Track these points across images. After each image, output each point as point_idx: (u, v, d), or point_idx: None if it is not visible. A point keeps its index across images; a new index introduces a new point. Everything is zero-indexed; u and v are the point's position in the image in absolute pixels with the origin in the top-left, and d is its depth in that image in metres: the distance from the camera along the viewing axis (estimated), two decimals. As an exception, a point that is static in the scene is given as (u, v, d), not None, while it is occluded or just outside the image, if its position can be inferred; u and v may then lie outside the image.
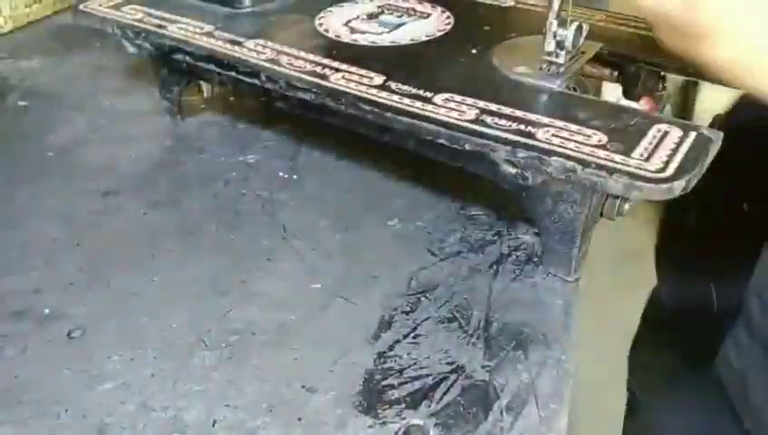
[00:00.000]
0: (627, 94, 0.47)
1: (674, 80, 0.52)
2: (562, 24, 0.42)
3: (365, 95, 0.41)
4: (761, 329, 0.46)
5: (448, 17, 0.52)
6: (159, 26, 0.51)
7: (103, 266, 0.42)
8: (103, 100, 0.61)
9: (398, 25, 0.51)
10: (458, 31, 0.50)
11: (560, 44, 0.42)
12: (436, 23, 0.51)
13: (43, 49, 0.69)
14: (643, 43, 0.46)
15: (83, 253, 0.43)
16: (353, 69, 0.44)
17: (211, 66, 0.48)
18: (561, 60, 0.42)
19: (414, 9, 0.53)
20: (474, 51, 0.46)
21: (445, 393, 0.34)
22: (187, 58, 0.49)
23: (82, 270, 0.42)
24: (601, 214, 0.41)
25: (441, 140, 0.38)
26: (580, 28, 0.42)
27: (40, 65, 0.67)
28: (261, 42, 0.48)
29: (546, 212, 0.40)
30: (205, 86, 0.57)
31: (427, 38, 0.49)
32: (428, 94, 0.41)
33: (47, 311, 0.39)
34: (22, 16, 0.74)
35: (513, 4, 0.54)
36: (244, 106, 0.59)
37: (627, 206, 0.40)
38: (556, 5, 0.41)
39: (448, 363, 0.36)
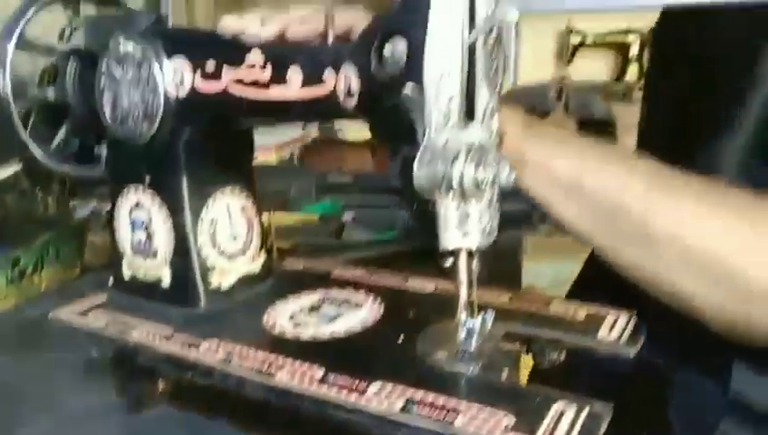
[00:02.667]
0: (537, 366, 0.54)
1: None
2: (471, 313, 0.49)
3: (306, 392, 0.47)
4: None
5: (380, 304, 0.60)
6: (122, 332, 0.57)
7: None
8: (61, 398, 0.64)
9: (336, 317, 0.58)
10: (387, 319, 0.57)
11: (469, 333, 0.49)
12: (369, 312, 0.59)
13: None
14: (542, 321, 0.55)
15: None
16: (296, 363, 0.50)
17: (169, 368, 0.54)
18: (471, 348, 0.49)
19: (349, 300, 0.61)
20: (399, 341, 0.53)
21: None
22: (148, 361, 0.55)
23: None
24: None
25: (374, 433, 0.43)
26: (485, 318, 0.50)
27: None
28: (215, 342, 0.55)
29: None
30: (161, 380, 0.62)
31: (363, 328, 0.56)
32: (363, 385, 0.47)
33: None
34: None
35: (432, 289, 0.63)
36: (200, 398, 0.63)
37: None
38: (463, 298, 0.49)
39: None
